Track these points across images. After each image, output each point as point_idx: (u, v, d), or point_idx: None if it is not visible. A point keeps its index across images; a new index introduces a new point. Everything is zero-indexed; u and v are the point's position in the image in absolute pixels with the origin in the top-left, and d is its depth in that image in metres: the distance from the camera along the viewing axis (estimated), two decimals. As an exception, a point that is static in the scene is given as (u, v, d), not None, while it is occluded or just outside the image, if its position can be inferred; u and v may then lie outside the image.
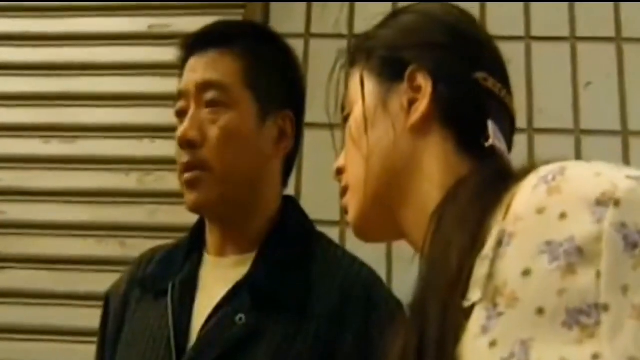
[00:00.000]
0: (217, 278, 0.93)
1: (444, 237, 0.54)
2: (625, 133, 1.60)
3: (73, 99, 1.70)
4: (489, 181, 0.56)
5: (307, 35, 1.71)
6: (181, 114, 0.96)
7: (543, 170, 0.51)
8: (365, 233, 0.68)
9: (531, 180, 0.50)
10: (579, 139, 1.60)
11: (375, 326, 0.88)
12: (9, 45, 1.76)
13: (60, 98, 1.70)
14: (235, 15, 1.72)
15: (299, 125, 1.02)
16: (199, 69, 0.96)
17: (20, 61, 1.74)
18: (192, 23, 1.72)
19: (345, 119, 0.70)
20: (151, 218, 1.59)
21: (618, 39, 1.65)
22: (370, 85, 0.66)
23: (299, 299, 0.89)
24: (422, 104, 0.62)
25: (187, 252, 0.98)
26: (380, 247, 1.49)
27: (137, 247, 1.53)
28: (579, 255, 0.45)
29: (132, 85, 1.69)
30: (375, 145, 0.64)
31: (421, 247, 0.58)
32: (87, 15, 1.75)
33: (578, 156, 1.58)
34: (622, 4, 1.66)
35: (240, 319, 0.87)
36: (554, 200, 0.47)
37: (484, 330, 0.47)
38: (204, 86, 0.94)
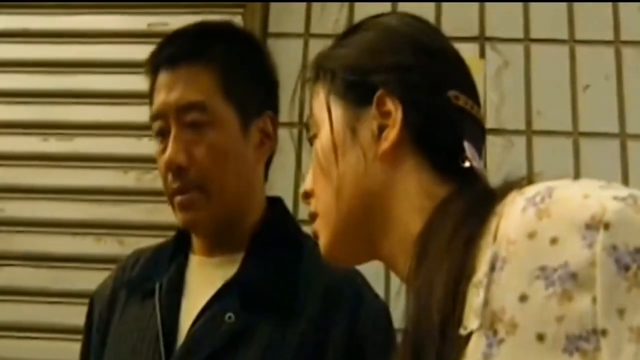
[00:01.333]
0: (204, 278, 0.93)
1: (431, 268, 0.53)
2: (623, 136, 1.60)
3: (71, 97, 1.70)
4: (471, 205, 0.55)
5: (307, 35, 1.71)
6: (161, 134, 0.94)
7: (529, 191, 0.51)
8: (337, 259, 0.67)
9: (518, 202, 0.50)
10: (577, 141, 1.60)
11: (362, 326, 0.89)
12: (7, 42, 1.76)
13: (58, 95, 1.70)
14: (234, 15, 1.72)
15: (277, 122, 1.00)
16: (174, 87, 0.92)
17: (18, 58, 1.74)
18: (191, 22, 1.73)
19: (311, 138, 0.67)
20: (150, 216, 1.59)
21: (617, 42, 1.66)
22: (336, 110, 0.63)
23: (287, 299, 0.89)
24: (393, 132, 0.60)
25: (173, 252, 0.98)
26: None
27: (135, 246, 1.52)
28: (573, 281, 0.45)
29: (130, 84, 1.68)
30: (345, 175, 0.62)
31: (407, 276, 0.56)
32: (86, 13, 1.75)
33: (576, 158, 1.59)
34: (621, 7, 1.67)
35: (230, 317, 0.87)
36: (543, 224, 0.47)
37: (486, 357, 0.47)
38: (184, 108, 0.91)
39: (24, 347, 1.52)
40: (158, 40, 1.73)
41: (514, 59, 1.64)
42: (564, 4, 1.68)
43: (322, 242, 0.65)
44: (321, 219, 0.65)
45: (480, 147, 0.63)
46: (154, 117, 0.95)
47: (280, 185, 1.38)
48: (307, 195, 0.67)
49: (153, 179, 1.61)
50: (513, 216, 0.50)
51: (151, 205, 1.59)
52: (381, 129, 0.61)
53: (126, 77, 1.69)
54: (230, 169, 0.92)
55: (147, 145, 1.63)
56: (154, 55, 0.98)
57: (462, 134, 0.61)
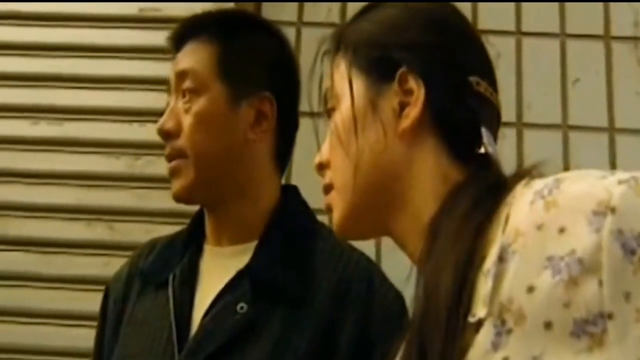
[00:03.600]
0: (217, 268, 0.94)
1: (440, 254, 0.54)
2: (611, 130, 1.62)
3: (62, 81, 1.68)
4: (483, 193, 0.56)
5: (300, 23, 1.71)
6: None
7: (538, 184, 0.51)
8: (349, 234, 0.67)
9: (527, 195, 0.51)
10: (566, 134, 1.61)
11: (375, 317, 0.89)
12: (-3, 24, 1.74)
13: (49, 79, 1.68)
14: (226, 1, 1.71)
15: (289, 109, 1.00)
16: (180, 60, 0.99)
17: (8, 41, 1.72)
18: (183, 7, 1.73)
19: (329, 110, 0.67)
20: (140, 202, 1.58)
21: (607, 37, 1.67)
22: (358, 84, 0.63)
23: (299, 289, 0.89)
24: (415, 110, 0.60)
25: (187, 242, 0.99)
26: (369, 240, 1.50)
27: (126, 231, 1.53)
28: (580, 266, 0.46)
29: (121, 69, 1.68)
30: (364, 150, 0.62)
31: (417, 260, 0.57)
32: (78, -3, 1.74)
33: (565, 151, 1.60)
34: (611, 3, 1.68)
35: (242, 307, 0.87)
36: (551, 214, 0.48)
37: (495, 346, 0.48)
38: (180, 76, 0.97)
39: (13, 331, 1.52)
40: (149, 25, 1.75)
41: (505, 51, 1.64)
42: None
43: (336, 215, 0.65)
44: (337, 192, 0.64)
45: (496, 134, 0.64)
46: (169, 91, 1.01)
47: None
48: (322, 167, 0.67)
49: (144, 165, 1.61)
50: (522, 209, 0.50)
51: (142, 191, 1.59)
52: (402, 106, 0.61)
53: (118, 62, 1.68)
54: (211, 137, 0.94)
55: (138, 131, 1.63)
56: (170, 38, 1.03)
57: (481, 120, 0.61)
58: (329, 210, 0.66)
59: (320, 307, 0.88)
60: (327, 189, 0.66)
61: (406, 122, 0.60)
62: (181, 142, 0.94)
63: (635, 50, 1.66)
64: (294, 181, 1.58)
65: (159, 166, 1.54)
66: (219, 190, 0.95)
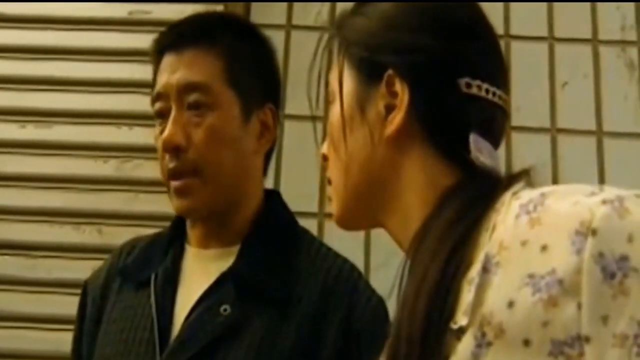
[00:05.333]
0: (200, 270, 0.93)
1: (421, 264, 0.54)
2: (599, 133, 1.63)
3: (50, 84, 1.67)
4: (471, 200, 0.56)
5: (289, 26, 1.71)
6: (161, 115, 0.93)
7: (524, 197, 0.52)
8: (346, 226, 0.68)
9: (513, 208, 0.51)
10: (555, 137, 1.62)
11: (357, 321, 0.89)
12: (-16, 27, 1.73)
13: (37, 82, 1.68)
14: (216, 4, 1.71)
15: (278, 115, 1.00)
16: (178, 68, 0.92)
17: (-4, 43, 1.71)
18: (173, 10, 1.72)
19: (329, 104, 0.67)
20: (129, 205, 1.58)
21: (595, 41, 1.68)
22: (348, 84, 0.63)
23: (283, 293, 0.89)
24: (399, 115, 0.59)
25: (169, 242, 0.98)
26: (359, 238, 1.51)
27: (114, 235, 1.52)
28: (560, 287, 0.46)
29: (110, 72, 1.67)
30: (353, 154, 0.62)
31: (403, 268, 0.57)
32: (67, -1, 1.73)
33: (554, 154, 1.61)
34: (599, 7, 1.69)
35: (225, 309, 0.87)
36: (535, 232, 0.48)
37: (475, 357, 0.48)
38: (185, 88, 0.91)
39: (1, 335, 1.51)
40: (139, 28, 1.74)
41: (494, 54, 1.65)
42: (543, 2, 1.70)
43: (333, 208, 0.66)
44: (332, 188, 0.65)
45: (497, 133, 0.62)
46: (155, 98, 0.95)
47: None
48: (325, 159, 0.67)
49: (133, 168, 1.60)
50: (508, 222, 0.51)
51: (130, 195, 1.58)
52: (389, 109, 0.60)
53: (106, 65, 1.68)
54: (227, 154, 0.92)
55: (127, 134, 1.62)
56: (159, 40, 0.98)
57: (470, 123, 0.59)
58: (330, 200, 0.67)
59: (305, 309, 0.88)
60: (329, 181, 0.67)
61: (391, 127, 0.59)
62: (192, 157, 0.90)
63: (623, 54, 1.68)
64: (282, 182, 1.58)
65: (148, 169, 1.54)
66: (224, 205, 0.94)
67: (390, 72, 0.60)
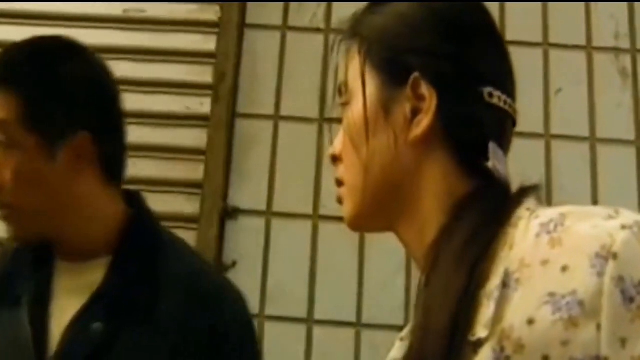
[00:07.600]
0: (71, 285, 0.94)
1: (442, 277, 0.54)
2: (593, 140, 1.63)
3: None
4: (488, 212, 0.56)
5: (285, 27, 1.71)
6: None
7: (543, 216, 0.53)
8: (359, 229, 0.68)
9: (533, 226, 0.52)
10: (549, 143, 1.63)
11: (224, 322, 0.92)
12: (-20, 23, 1.72)
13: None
14: (212, 5, 1.71)
15: (111, 128, 0.97)
16: None
17: (-11, 39, 1.70)
18: (167, 9, 1.72)
19: (343, 104, 0.66)
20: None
21: (589, 48, 1.69)
22: (371, 84, 0.62)
23: (150, 306, 0.91)
24: (426, 119, 0.59)
25: (36, 256, 0.97)
26: (353, 239, 1.50)
27: None
28: (580, 308, 0.48)
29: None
30: (375, 155, 0.61)
31: (422, 279, 0.57)
32: (62, -3, 1.72)
33: (548, 160, 1.61)
34: (593, 14, 1.70)
35: (97, 327, 0.89)
36: (556, 252, 0.50)
37: None
38: None
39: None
40: (133, 26, 1.74)
41: (489, 59, 1.65)
42: (539, 7, 1.71)
43: (346, 211, 0.65)
44: (347, 190, 0.64)
45: (506, 143, 0.63)
46: None
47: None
48: (335, 159, 0.67)
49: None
50: (528, 240, 0.52)
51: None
52: (414, 111, 0.60)
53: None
54: (34, 193, 0.92)
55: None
56: None
57: (490, 133, 0.60)
58: (339, 202, 0.66)
59: (171, 315, 0.90)
60: (339, 182, 0.66)
61: (417, 130, 0.59)
62: (5, 196, 0.91)
63: (617, 61, 1.68)
64: (276, 183, 1.57)
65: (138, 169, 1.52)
66: (54, 233, 0.94)
67: (416, 74, 0.60)
